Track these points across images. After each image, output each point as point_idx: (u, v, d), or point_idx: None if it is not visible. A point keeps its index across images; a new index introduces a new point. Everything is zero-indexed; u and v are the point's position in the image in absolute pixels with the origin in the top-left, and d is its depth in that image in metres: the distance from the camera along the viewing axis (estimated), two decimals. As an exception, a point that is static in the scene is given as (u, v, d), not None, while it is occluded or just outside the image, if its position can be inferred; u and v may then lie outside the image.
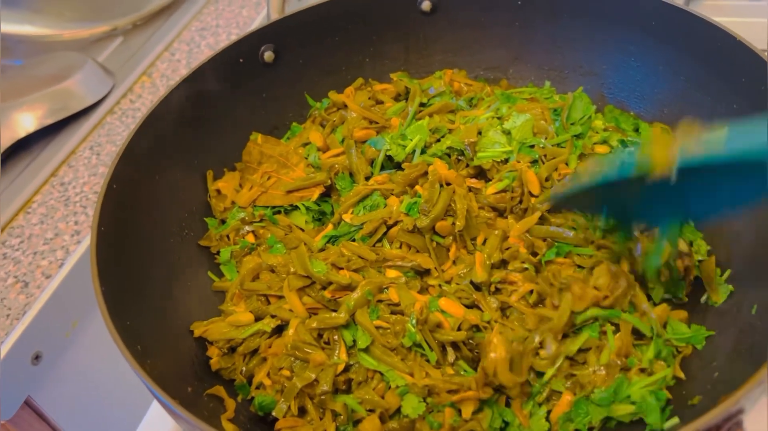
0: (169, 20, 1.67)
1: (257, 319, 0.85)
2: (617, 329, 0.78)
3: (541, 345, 0.78)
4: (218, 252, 0.95)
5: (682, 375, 0.75)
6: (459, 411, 0.75)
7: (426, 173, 0.89)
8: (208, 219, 0.98)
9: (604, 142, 0.91)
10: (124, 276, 0.79)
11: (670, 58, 0.94)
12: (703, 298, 0.82)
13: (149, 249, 0.87)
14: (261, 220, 0.95)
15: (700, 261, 0.84)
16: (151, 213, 0.90)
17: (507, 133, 0.91)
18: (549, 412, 0.76)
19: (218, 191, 0.99)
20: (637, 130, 0.96)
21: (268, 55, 1.04)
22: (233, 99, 1.03)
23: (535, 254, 0.84)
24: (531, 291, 0.81)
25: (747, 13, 1.36)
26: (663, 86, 0.96)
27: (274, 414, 0.78)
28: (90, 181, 1.26)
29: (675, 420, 0.70)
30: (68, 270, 1.08)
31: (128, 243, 0.83)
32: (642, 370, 0.76)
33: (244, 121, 1.05)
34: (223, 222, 0.98)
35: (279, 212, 0.95)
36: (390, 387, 0.78)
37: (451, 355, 0.80)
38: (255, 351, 0.84)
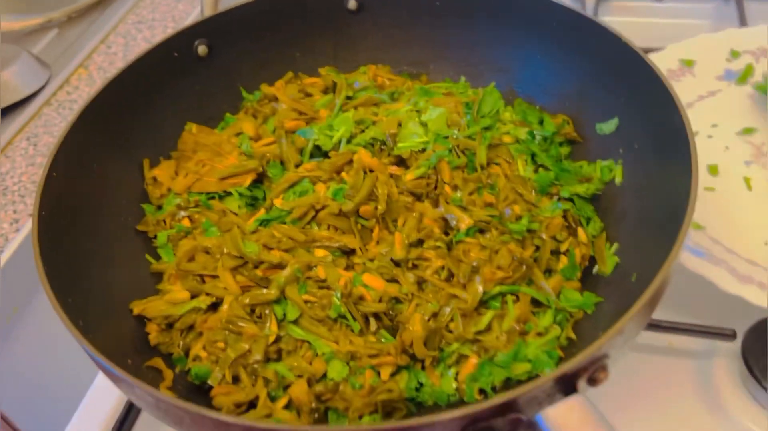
0: (105, 13, 1.70)
1: (193, 297, 0.91)
2: (517, 299, 0.88)
3: (452, 319, 0.87)
4: (155, 237, 1.01)
5: (573, 336, 0.86)
6: (378, 374, 0.84)
7: (351, 161, 0.97)
8: (145, 205, 1.03)
9: (508, 133, 1.01)
10: (65, 258, 0.84)
11: (569, 57, 1.04)
12: (595, 269, 0.93)
13: (89, 234, 0.92)
14: (196, 206, 1.01)
15: (594, 237, 0.95)
16: (90, 200, 0.94)
17: (424, 124, 0.99)
18: (457, 373, 0.86)
19: (154, 178, 1.04)
20: (541, 122, 1.06)
21: (202, 49, 1.10)
22: (168, 91, 1.08)
23: (447, 234, 0.93)
24: (443, 268, 0.90)
25: (649, 14, 1.49)
26: (564, 82, 1.07)
27: (209, 382, 0.85)
28: (28, 170, 1.29)
29: (564, 374, 0.80)
30: (8, 258, 1.12)
31: (68, 227, 0.88)
32: (538, 334, 0.86)
33: (179, 113, 1.11)
34: (159, 208, 1.03)
35: (213, 198, 1.01)
36: (317, 355, 0.85)
37: (373, 325, 0.88)
38: (191, 327, 0.90)
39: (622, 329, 0.63)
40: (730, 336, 0.94)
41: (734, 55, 1.26)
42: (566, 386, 0.61)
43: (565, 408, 0.57)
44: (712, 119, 1.19)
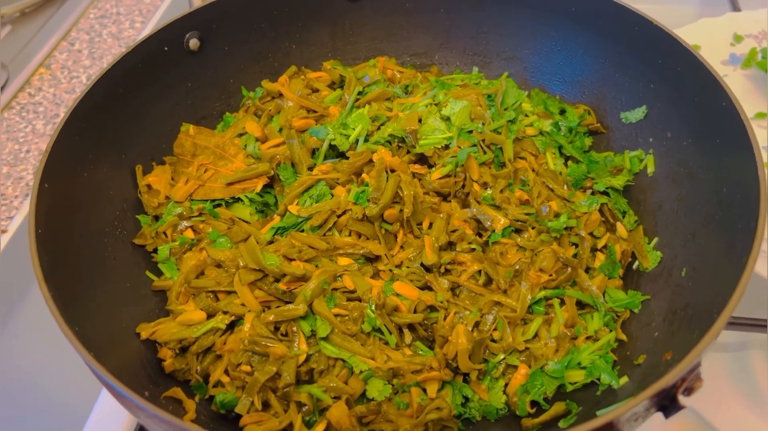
0: (63, 8, 1.57)
1: (209, 317, 0.82)
2: (562, 302, 0.83)
3: (496, 328, 0.81)
4: (155, 250, 0.91)
5: (624, 337, 0.81)
6: (424, 391, 0.77)
7: (371, 161, 0.90)
8: (140, 216, 0.94)
9: (531, 125, 0.96)
10: (64, 280, 0.74)
11: (589, 42, 1.00)
12: (635, 265, 0.88)
13: (84, 251, 0.82)
14: (200, 214, 0.92)
15: (630, 231, 0.90)
16: (82, 212, 0.84)
17: (446, 119, 0.93)
18: (506, 385, 0.80)
19: (149, 186, 0.95)
20: (562, 112, 1.01)
21: (194, 43, 1.00)
22: (158, 89, 0.98)
23: (480, 235, 0.87)
24: (480, 272, 0.84)
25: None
26: (583, 69, 1.02)
27: (237, 410, 0.76)
28: (-7, 182, 1.16)
29: (625, 378, 0.75)
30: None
31: (63, 245, 0.78)
32: (588, 338, 0.81)
33: (170, 112, 1.01)
34: (156, 218, 0.94)
35: (219, 205, 0.92)
36: (353, 373, 0.78)
37: (408, 337, 0.82)
38: (208, 350, 0.82)
39: (717, 331, 0.58)
40: (763, 326, 0.92)
41: (737, 39, 1.24)
42: (665, 399, 0.56)
43: (677, 425, 0.52)
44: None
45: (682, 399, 0.55)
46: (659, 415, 0.58)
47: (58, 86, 1.35)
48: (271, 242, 0.87)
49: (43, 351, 1.01)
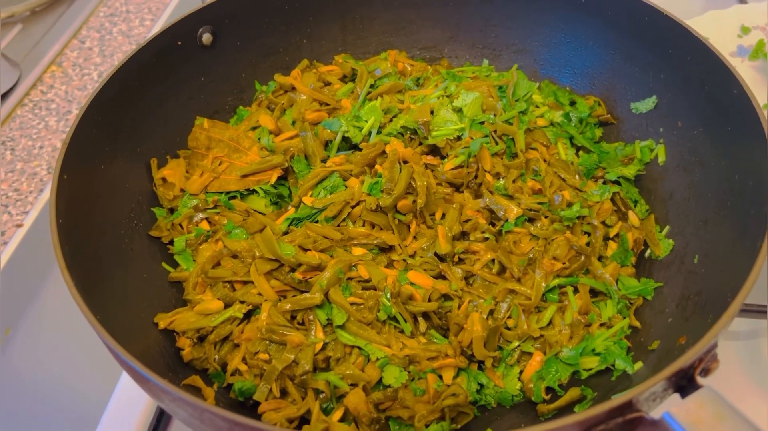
0: (73, 6, 1.58)
1: (226, 306, 0.83)
2: (575, 290, 0.84)
3: (510, 316, 0.82)
4: (171, 242, 0.92)
5: (638, 324, 0.82)
6: (440, 378, 0.78)
7: (384, 152, 0.91)
8: (155, 209, 0.95)
9: (542, 116, 0.96)
10: (84, 270, 0.75)
11: (599, 33, 1.00)
12: (647, 253, 0.89)
13: (102, 242, 0.83)
14: (215, 206, 0.93)
15: (641, 220, 0.91)
16: (99, 204, 0.85)
17: (458, 110, 0.93)
18: (521, 372, 0.81)
19: (164, 179, 0.96)
20: (573, 103, 1.02)
21: (207, 37, 1.01)
22: (172, 83, 0.99)
23: (493, 224, 0.88)
24: (493, 261, 0.85)
25: None
26: (593, 60, 1.03)
27: (255, 397, 0.77)
28: (8, 178, 1.17)
29: (639, 364, 0.76)
30: (-3, 274, 1.01)
31: (82, 236, 0.79)
32: (602, 325, 0.82)
33: (183, 106, 1.02)
34: (171, 211, 0.95)
35: (234, 197, 0.93)
36: (369, 361, 0.79)
37: (422, 325, 0.82)
38: (225, 339, 0.82)
39: (733, 313, 0.59)
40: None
41: (745, 30, 1.24)
42: (683, 379, 0.57)
43: (695, 403, 0.53)
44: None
45: (699, 379, 0.56)
46: (676, 396, 0.59)
47: (69, 83, 1.36)
48: (286, 233, 0.88)
49: (61, 343, 1.02)
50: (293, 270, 0.84)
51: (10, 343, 1.05)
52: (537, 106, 0.99)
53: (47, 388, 1.06)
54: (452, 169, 0.90)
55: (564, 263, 0.83)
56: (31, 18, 1.55)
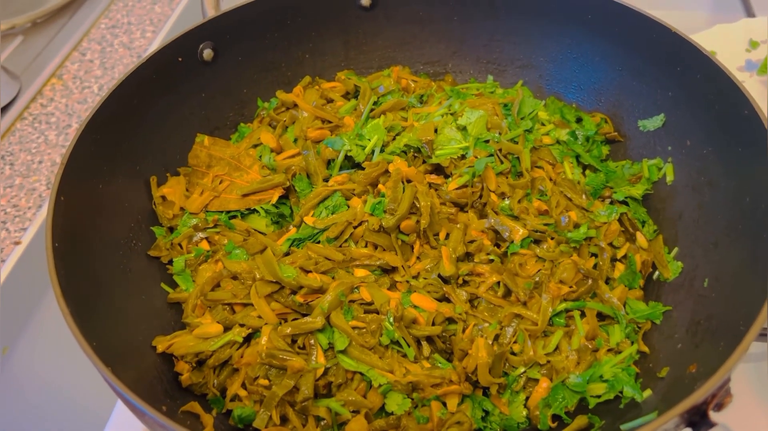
0: (74, 18, 1.57)
1: (225, 329, 0.81)
2: (582, 314, 0.82)
3: (515, 341, 0.80)
4: (170, 262, 0.91)
5: (646, 349, 0.80)
6: (444, 405, 0.76)
7: (387, 171, 0.89)
8: (154, 228, 0.93)
9: (547, 134, 0.95)
10: (81, 294, 0.74)
11: (606, 50, 0.99)
12: (655, 275, 0.87)
13: (100, 263, 0.82)
14: (215, 226, 0.91)
15: (649, 241, 0.89)
16: (97, 225, 0.84)
17: (462, 129, 0.92)
18: (527, 399, 0.79)
19: (163, 198, 0.94)
20: (579, 120, 1.00)
21: (208, 53, 1.00)
22: (172, 99, 0.98)
23: (498, 246, 0.86)
24: (498, 283, 0.83)
25: (681, 5, 1.44)
26: (599, 76, 1.01)
27: (255, 424, 0.76)
28: (6, 193, 1.16)
29: (648, 391, 0.74)
30: (-5, 292, 1.00)
31: (79, 259, 0.78)
32: (609, 350, 0.80)
33: (183, 123, 1.01)
34: (171, 230, 0.93)
35: (235, 216, 0.92)
36: (371, 387, 0.77)
37: (426, 349, 0.81)
38: (225, 363, 0.81)
39: (746, 346, 0.57)
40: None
41: (753, 45, 1.23)
42: (695, 415, 0.55)
43: (709, 443, 0.51)
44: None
45: (712, 415, 0.54)
46: (688, 431, 0.57)
47: (70, 96, 1.35)
48: (287, 254, 0.87)
49: (60, 359, 1.01)
50: (294, 292, 0.82)
51: (8, 362, 1.04)
52: (543, 124, 0.97)
53: (45, 407, 1.04)
54: (456, 188, 0.89)
55: (571, 287, 0.82)
56: (32, 30, 1.54)
